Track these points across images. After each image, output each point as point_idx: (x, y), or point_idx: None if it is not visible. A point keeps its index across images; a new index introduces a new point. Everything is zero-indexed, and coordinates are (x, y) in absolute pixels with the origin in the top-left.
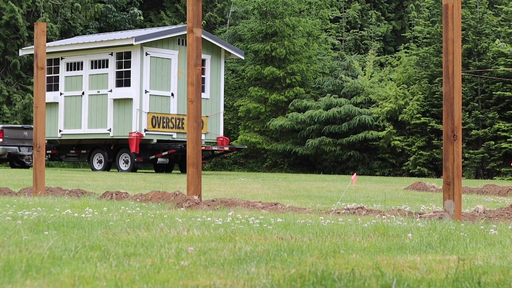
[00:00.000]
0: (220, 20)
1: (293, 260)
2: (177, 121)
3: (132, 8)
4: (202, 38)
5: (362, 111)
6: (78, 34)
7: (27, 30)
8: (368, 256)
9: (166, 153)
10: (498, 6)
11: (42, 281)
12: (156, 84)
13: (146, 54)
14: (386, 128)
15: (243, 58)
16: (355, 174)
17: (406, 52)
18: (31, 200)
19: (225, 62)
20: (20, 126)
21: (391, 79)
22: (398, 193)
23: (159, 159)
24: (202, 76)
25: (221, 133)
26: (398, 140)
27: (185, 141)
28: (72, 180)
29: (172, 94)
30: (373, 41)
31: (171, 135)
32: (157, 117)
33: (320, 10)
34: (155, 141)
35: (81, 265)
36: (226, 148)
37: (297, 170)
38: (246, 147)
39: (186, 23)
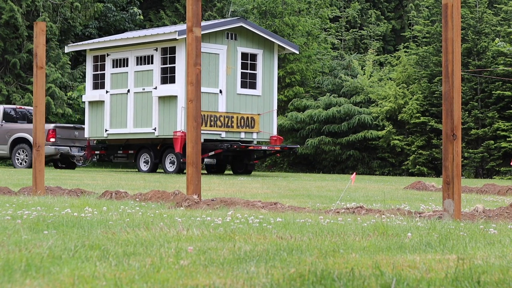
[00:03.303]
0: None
1: (293, 259)
2: (226, 119)
3: (131, 7)
4: (254, 32)
5: (362, 111)
6: (77, 34)
7: (26, 30)
8: (367, 256)
9: (212, 153)
10: (497, 6)
11: (41, 280)
12: (203, 80)
13: None
14: (385, 128)
15: (297, 52)
16: (354, 173)
17: (405, 52)
18: (31, 199)
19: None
20: (72, 125)
21: (390, 78)
22: (397, 193)
23: (205, 160)
24: (253, 72)
25: (275, 132)
26: (398, 139)
27: (233, 140)
28: (71, 180)
29: (221, 91)
30: (373, 40)
31: (220, 134)
32: (204, 115)
33: (320, 9)
34: (202, 140)
35: (80, 264)
36: (277, 148)
37: (296, 169)
38: (299, 146)
39: (228, 17)
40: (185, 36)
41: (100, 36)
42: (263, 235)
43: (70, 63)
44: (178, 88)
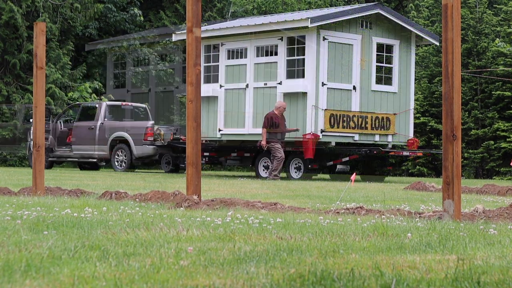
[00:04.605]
0: (220, 20)
1: (293, 259)
2: (360, 119)
3: (132, 8)
4: (390, 20)
5: None
6: (78, 34)
7: (26, 30)
8: (367, 256)
9: (347, 158)
10: (497, 6)
11: (41, 280)
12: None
13: (324, 38)
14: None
15: (438, 44)
16: (354, 174)
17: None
18: (31, 200)
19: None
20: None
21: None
22: (397, 193)
23: (338, 166)
24: (390, 65)
25: (411, 134)
26: None
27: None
28: (71, 180)
29: (354, 87)
30: None
31: (353, 136)
32: (336, 115)
33: (320, 10)
34: (333, 144)
35: (80, 264)
36: (420, 153)
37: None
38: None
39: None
40: (316, 24)
41: (101, 37)
42: (263, 235)
43: (70, 63)
44: (307, 84)
